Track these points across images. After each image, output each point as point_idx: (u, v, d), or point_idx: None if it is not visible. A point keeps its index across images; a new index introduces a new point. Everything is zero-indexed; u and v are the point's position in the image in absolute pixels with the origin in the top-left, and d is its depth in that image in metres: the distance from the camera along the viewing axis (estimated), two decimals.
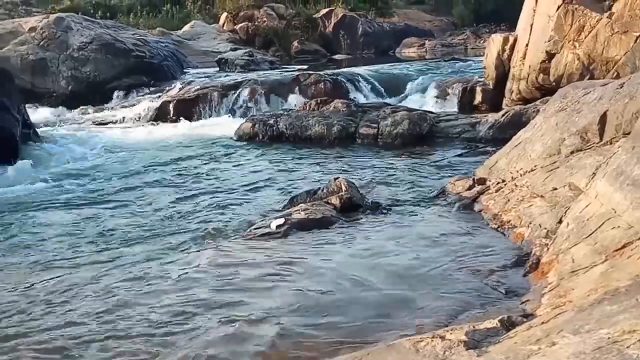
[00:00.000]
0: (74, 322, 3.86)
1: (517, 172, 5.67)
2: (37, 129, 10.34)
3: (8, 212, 6.65)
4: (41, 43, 14.67)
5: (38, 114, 12.60)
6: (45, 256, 5.21)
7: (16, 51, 14.38)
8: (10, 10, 21.96)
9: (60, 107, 13.76)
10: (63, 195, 7.31)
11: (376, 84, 13.27)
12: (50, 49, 14.60)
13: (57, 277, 4.66)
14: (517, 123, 7.96)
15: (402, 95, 12.70)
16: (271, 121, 10.15)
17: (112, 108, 13.64)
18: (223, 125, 11.34)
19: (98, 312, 3.96)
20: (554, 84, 8.67)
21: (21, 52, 14.39)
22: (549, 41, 8.82)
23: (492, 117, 9.25)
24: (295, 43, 21.18)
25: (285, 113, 10.56)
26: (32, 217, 6.42)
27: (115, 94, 14.37)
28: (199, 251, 5.07)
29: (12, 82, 9.95)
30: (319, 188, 6.34)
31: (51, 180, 7.99)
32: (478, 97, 10.53)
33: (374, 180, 7.17)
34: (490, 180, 5.97)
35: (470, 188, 6.01)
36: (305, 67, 16.84)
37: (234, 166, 8.52)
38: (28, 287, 4.52)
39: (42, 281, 4.61)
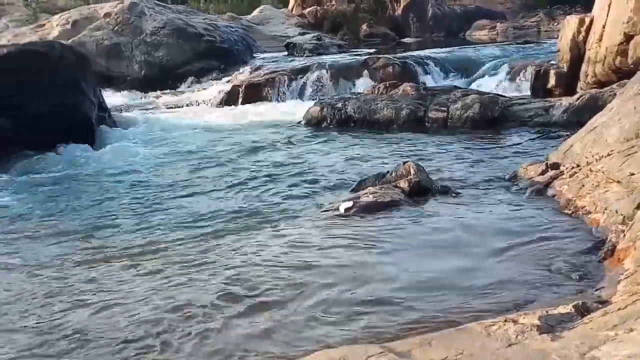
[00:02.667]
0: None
1: (593, 156, 5.52)
2: (111, 112, 10.61)
3: (86, 193, 6.88)
4: (115, 28, 15.03)
5: (112, 97, 12.91)
6: (142, 235, 5.35)
7: (92, 36, 14.78)
8: None
9: (133, 90, 14.09)
10: (137, 175, 7.51)
11: (446, 66, 13.11)
12: (124, 34, 14.95)
13: (163, 253, 4.83)
14: (593, 107, 7.74)
15: (473, 78, 12.50)
16: (339, 105, 10.15)
17: (183, 92, 13.89)
18: (291, 109, 11.41)
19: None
20: (631, 66, 8.38)
21: (96, 37, 14.78)
22: (627, 22, 8.52)
23: (566, 101, 9.02)
24: (364, 26, 21.07)
25: (354, 97, 10.54)
26: (112, 197, 6.63)
27: (186, 77, 14.61)
28: (273, 232, 5.14)
29: (89, 66, 10.24)
30: (388, 171, 6.31)
31: (126, 162, 8.21)
32: (551, 81, 10.27)
33: (443, 164, 7.11)
34: (564, 165, 5.83)
35: (543, 173, 5.89)
36: (374, 50, 16.76)
37: (302, 150, 8.57)
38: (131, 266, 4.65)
39: (153, 259, 4.74)
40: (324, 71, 12.96)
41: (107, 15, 15.34)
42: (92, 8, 16.42)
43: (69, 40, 13.81)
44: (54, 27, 15.42)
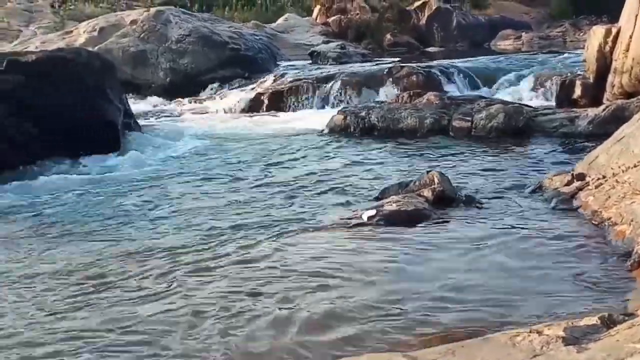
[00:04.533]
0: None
1: (619, 167, 5.47)
2: (137, 119, 10.70)
3: (110, 198, 6.94)
4: (141, 36, 15.16)
5: (138, 104, 13.02)
6: (168, 240, 5.40)
7: (118, 43, 14.91)
8: (112, 4, 22.75)
9: (158, 97, 14.18)
10: (162, 181, 7.57)
11: (470, 76, 13.05)
12: (150, 42, 15.07)
13: (177, 258, 4.88)
14: (619, 118, 7.67)
15: (497, 88, 12.43)
16: (363, 113, 10.15)
17: (207, 99, 13.96)
18: (315, 117, 11.41)
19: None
20: None
21: (123, 44, 14.91)
22: None
23: (592, 112, 8.95)
24: (388, 35, 21.05)
25: (377, 105, 10.53)
26: (136, 203, 6.68)
27: (211, 85, 14.68)
28: (294, 240, 5.15)
29: (115, 73, 10.34)
30: (411, 180, 6.31)
31: (151, 168, 8.27)
32: (577, 91, 10.19)
33: (467, 174, 7.08)
34: (589, 176, 5.79)
35: (568, 184, 5.85)
36: (398, 59, 16.73)
37: (325, 158, 8.58)
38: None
39: (168, 262, 4.80)
40: (347, 79, 12.95)
41: (133, 22, 15.48)
42: (119, 15, 16.57)
43: (96, 47, 13.95)
44: (81, 34, 15.59)
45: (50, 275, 4.71)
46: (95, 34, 15.37)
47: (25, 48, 14.70)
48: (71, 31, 16.18)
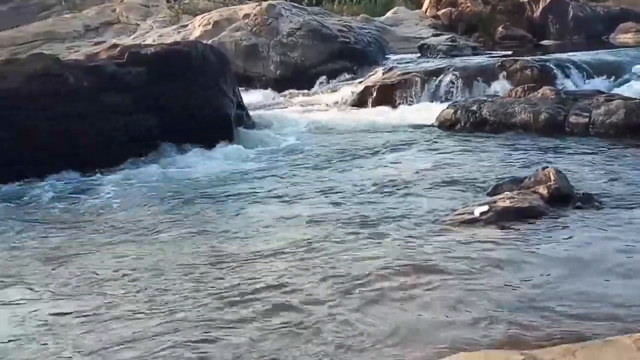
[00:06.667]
0: None
1: None
2: (248, 111, 10.93)
3: (225, 188, 7.14)
4: (254, 29, 15.45)
5: (249, 96, 13.29)
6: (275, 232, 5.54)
7: (231, 37, 15.26)
8: None
9: (268, 90, 14.42)
10: (276, 172, 7.73)
11: (588, 70, 12.56)
12: (261, 35, 15.34)
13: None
14: None
15: (617, 82, 11.89)
16: (474, 107, 9.96)
17: (316, 92, 14.07)
18: (424, 111, 11.29)
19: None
20: None
21: (235, 37, 15.25)
22: None
23: None
24: (500, 28, 20.52)
25: (489, 99, 10.31)
26: (253, 192, 6.87)
27: (320, 78, 14.78)
28: (404, 236, 5.13)
29: (229, 66, 10.61)
30: (526, 177, 6.15)
31: (263, 159, 8.44)
32: None
33: (583, 172, 6.83)
34: None
35: None
36: (510, 53, 16.32)
37: (435, 152, 8.48)
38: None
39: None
40: (458, 73, 12.74)
41: (246, 16, 15.80)
42: (232, 9, 16.96)
43: (210, 41, 14.33)
44: (196, 28, 16.07)
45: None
46: (210, 27, 15.80)
47: (144, 41, 15.30)
48: (186, 25, 16.70)
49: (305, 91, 14.20)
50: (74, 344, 3.68)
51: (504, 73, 12.51)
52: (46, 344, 3.69)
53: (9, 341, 3.73)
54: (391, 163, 7.92)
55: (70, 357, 3.59)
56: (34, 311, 4.14)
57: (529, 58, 13.29)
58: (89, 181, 7.62)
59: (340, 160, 8.20)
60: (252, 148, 9.02)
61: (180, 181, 7.54)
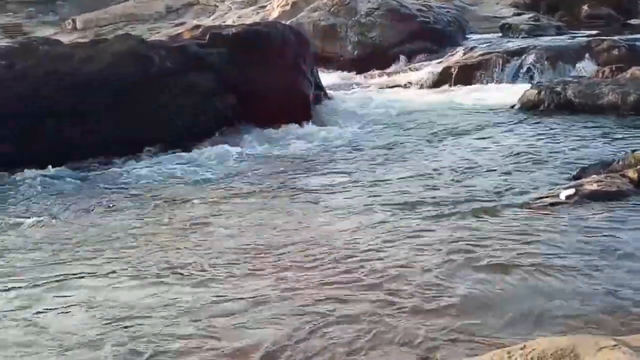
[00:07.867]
0: None
1: None
2: (326, 91, 10.94)
3: (306, 165, 7.26)
4: (332, 9, 15.42)
5: (327, 76, 13.31)
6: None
7: (309, 17, 15.29)
8: None
9: (346, 70, 14.40)
10: (354, 153, 7.77)
11: None
12: (339, 15, 15.29)
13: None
14: None
15: None
16: (558, 88, 9.70)
17: (395, 72, 13.97)
18: (505, 92, 11.06)
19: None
20: None
21: (314, 18, 15.26)
22: None
23: None
24: (585, 7, 19.86)
25: (575, 80, 10.03)
26: (327, 174, 6.91)
27: (399, 58, 14.65)
28: (488, 218, 5.07)
29: (308, 46, 10.63)
30: (614, 160, 5.98)
31: (341, 139, 8.46)
32: None
33: None
34: None
35: None
36: (596, 32, 15.78)
37: (517, 134, 8.32)
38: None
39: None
40: (541, 53, 12.42)
41: None
42: None
43: (288, 21, 14.40)
44: (274, 8, 16.20)
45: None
46: (288, 8, 15.88)
47: (223, 22, 15.52)
48: (265, 6, 16.84)
49: (384, 71, 14.12)
50: None
51: (590, 53, 12.14)
52: None
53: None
54: (474, 145, 7.80)
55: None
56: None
57: (616, 37, 12.83)
58: (186, 156, 7.92)
59: (423, 142, 8.14)
60: (329, 127, 9.04)
61: (263, 158, 7.74)
